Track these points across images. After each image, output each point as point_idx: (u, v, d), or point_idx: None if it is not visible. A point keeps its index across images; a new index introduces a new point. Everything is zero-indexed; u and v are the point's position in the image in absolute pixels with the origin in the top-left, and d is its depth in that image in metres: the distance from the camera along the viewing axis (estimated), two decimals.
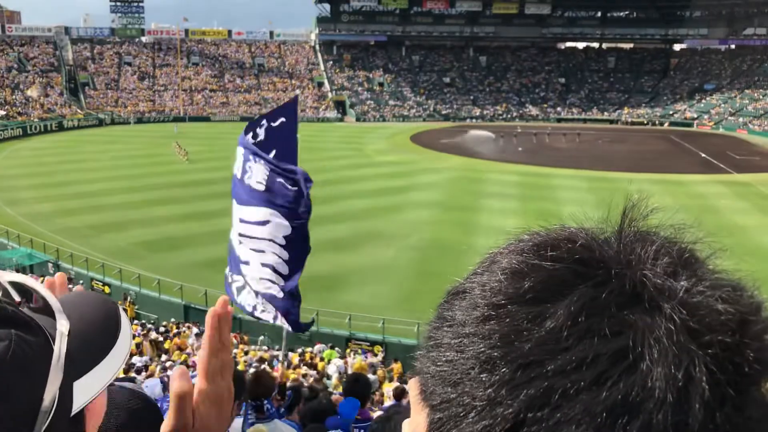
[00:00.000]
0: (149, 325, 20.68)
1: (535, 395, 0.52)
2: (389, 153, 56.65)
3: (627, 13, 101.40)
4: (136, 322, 21.09)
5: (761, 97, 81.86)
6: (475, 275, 0.63)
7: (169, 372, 12.20)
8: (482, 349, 0.56)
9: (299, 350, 18.37)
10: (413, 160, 52.91)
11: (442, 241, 28.69)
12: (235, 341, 18.30)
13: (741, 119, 78.15)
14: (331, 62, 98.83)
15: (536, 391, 0.52)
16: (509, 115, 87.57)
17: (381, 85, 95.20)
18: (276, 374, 8.80)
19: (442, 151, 57.47)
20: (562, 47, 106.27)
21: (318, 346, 19.13)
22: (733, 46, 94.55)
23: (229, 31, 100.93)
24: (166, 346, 17.90)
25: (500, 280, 0.59)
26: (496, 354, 0.55)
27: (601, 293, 0.55)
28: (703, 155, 57.48)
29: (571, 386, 0.51)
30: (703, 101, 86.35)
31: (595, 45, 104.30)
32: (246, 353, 17.06)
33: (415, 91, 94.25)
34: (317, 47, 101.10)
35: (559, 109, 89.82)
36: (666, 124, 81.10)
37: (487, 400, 0.54)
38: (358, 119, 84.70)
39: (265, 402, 4.67)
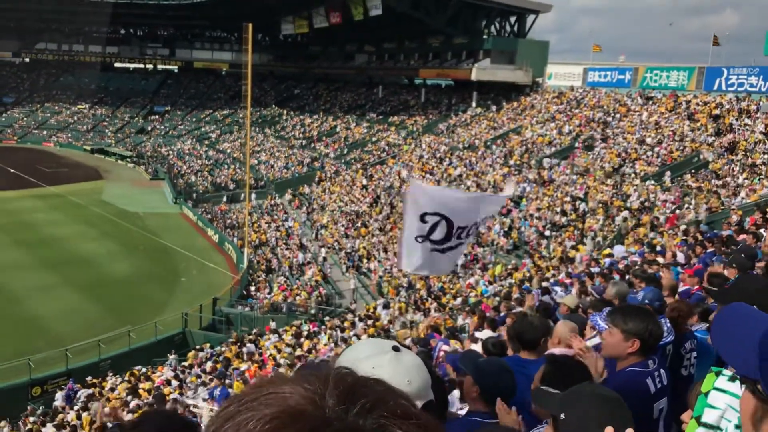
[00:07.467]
0: None
1: None
2: None
3: None
4: None
5: (62, 110, 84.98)
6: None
7: None
8: None
9: None
10: None
11: None
12: None
13: (46, 132, 79.52)
14: None
15: None
16: None
17: None
18: None
19: None
20: None
21: None
22: (27, 60, 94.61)
23: None
24: None
25: None
26: None
27: None
28: (13, 170, 56.59)
29: None
30: (5, 115, 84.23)
31: None
32: None
33: None
34: None
35: None
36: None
37: None
38: None
39: None
